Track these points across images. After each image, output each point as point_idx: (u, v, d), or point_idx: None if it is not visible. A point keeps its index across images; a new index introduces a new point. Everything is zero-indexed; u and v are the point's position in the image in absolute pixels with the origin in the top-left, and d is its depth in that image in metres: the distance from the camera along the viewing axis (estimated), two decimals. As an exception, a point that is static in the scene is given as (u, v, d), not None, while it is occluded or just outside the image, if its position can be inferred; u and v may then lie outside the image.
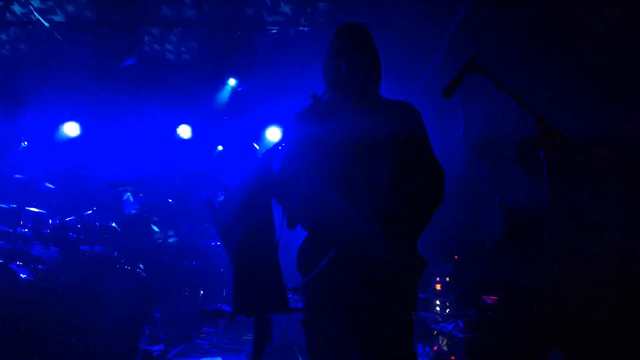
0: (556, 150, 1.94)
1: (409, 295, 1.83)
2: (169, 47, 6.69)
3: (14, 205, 4.95)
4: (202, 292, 5.70)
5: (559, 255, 1.85)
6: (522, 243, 3.90)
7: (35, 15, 5.80)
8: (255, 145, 7.42)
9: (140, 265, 4.96)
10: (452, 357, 3.77)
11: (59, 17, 5.97)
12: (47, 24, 5.95)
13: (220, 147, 7.81)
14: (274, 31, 6.21)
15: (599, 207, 3.40)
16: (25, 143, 5.96)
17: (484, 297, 3.84)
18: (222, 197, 1.89)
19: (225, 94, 7.31)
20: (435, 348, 4.19)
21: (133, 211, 5.64)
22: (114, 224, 5.19)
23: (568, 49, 3.94)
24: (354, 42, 2.06)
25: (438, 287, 4.62)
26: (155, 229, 5.62)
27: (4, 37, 6.46)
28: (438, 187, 1.93)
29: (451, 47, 5.48)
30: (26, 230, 4.90)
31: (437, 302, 4.59)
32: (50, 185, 5.36)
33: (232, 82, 7.14)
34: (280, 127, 7.45)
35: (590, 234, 3.40)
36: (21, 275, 4.24)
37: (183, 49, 6.71)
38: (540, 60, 4.25)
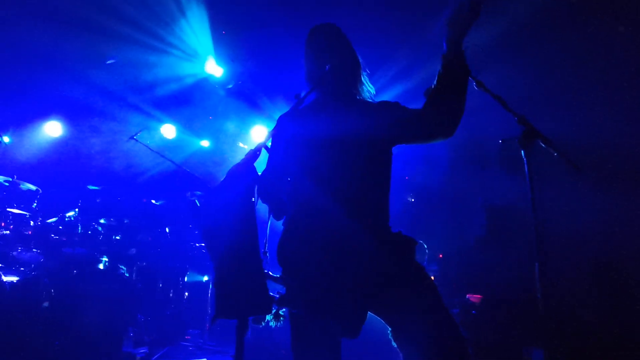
0: (537, 150, 1.97)
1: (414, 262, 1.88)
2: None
3: (-5, 207, 4.86)
4: (186, 293, 5.65)
5: (540, 254, 1.87)
6: (505, 242, 3.95)
7: None
8: (242, 144, 7.38)
9: (124, 266, 4.90)
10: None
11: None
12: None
13: (205, 144, 7.73)
14: None
15: (579, 206, 3.46)
16: (7, 139, 5.83)
17: (468, 295, 3.87)
18: (205, 198, 1.87)
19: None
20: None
21: (117, 212, 5.57)
22: (96, 226, 5.12)
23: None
24: (333, 42, 2.08)
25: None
26: None
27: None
28: None
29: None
30: (7, 232, 4.81)
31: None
32: (32, 187, 5.27)
33: (218, 73, 7.05)
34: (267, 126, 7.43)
35: (571, 232, 3.46)
36: (3, 277, 4.17)
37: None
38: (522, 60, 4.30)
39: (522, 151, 1.97)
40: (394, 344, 1.83)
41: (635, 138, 3.38)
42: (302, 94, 1.98)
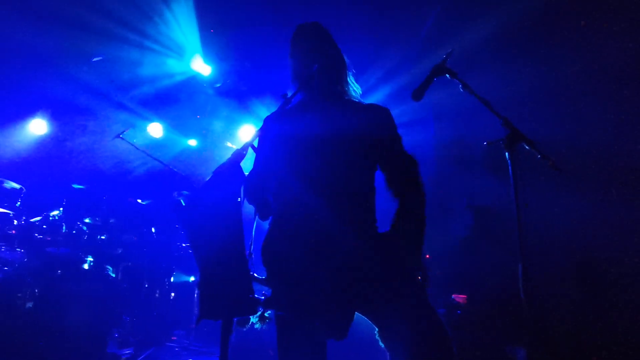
0: (521, 152, 2.00)
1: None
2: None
3: (-23, 206, 4.78)
4: (173, 294, 5.61)
5: (523, 255, 1.90)
6: (491, 242, 3.99)
7: None
8: (230, 144, 7.34)
9: (109, 266, 4.86)
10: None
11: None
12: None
13: (192, 143, 7.67)
14: None
15: (562, 207, 3.51)
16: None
17: (453, 295, 3.90)
18: (190, 198, 1.86)
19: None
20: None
21: (102, 211, 5.50)
22: (81, 225, 5.05)
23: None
24: (318, 42, 2.07)
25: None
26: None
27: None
28: (417, 182, 1.98)
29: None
30: (-9, 231, 4.73)
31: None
32: (16, 185, 5.19)
33: (206, 71, 6.99)
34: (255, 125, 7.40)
35: (554, 233, 3.51)
36: (-15, 277, 4.11)
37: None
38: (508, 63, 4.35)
39: (507, 153, 1.99)
40: (381, 344, 1.83)
41: (616, 140, 3.44)
42: (289, 94, 1.98)
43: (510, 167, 1.99)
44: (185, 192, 5.39)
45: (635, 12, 3.49)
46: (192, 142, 7.72)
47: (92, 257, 4.81)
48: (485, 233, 4.16)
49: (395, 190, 1.98)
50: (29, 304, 4.14)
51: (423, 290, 1.82)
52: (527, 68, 4.17)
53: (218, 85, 7.37)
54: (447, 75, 2.17)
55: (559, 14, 3.97)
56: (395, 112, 2.12)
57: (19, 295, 4.13)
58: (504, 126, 2.03)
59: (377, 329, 1.84)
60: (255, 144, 2.07)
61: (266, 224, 2.03)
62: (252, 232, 2.53)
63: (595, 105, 3.58)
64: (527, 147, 1.99)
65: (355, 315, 1.83)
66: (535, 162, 2.00)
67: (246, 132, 7.30)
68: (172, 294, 5.65)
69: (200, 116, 7.74)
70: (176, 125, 7.59)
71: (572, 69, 3.72)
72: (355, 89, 2.14)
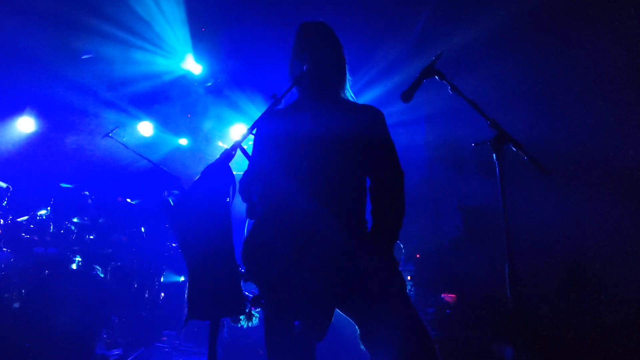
0: (509, 153, 2.01)
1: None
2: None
3: (-37, 205, 4.72)
4: (162, 294, 5.57)
5: (510, 254, 1.91)
6: (479, 242, 4.03)
7: None
8: (221, 143, 7.31)
9: (98, 267, 4.82)
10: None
11: None
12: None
13: (183, 142, 7.63)
14: None
15: (549, 208, 3.55)
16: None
17: (442, 295, 3.93)
18: (178, 197, 1.85)
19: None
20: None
21: (91, 211, 5.45)
22: (69, 225, 5.01)
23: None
24: (316, 41, 2.06)
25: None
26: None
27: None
28: (399, 188, 1.97)
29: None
30: (-24, 231, 4.67)
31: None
32: (3, 184, 5.13)
33: (197, 70, 6.96)
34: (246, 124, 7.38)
35: (540, 233, 3.55)
36: (-30, 278, 4.05)
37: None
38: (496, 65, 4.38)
39: (494, 154, 2.01)
40: (362, 346, 1.83)
41: (604, 141, 3.49)
42: (279, 94, 1.98)
43: (497, 168, 2.01)
44: (175, 192, 5.35)
45: (623, 17, 3.54)
46: (183, 141, 7.67)
47: (81, 257, 4.77)
48: (474, 233, 4.19)
49: (374, 197, 1.99)
50: (16, 305, 4.10)
51: (405, 292, 1.83)
52: (515, 70, 4.21)
53: (209, 84, 7.34)
54: (436, 77, 2.19)
55: (549, 16, 4.01)
56: (386, 112, 2.12)
57: (6, 295, 4.08)
58: (492, 128, 2.05)
59: (358, 331, 1.84)
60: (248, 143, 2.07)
61: None
62: (244, 230, 2.52)
63: (583, 107, 3.62)
64: (514, 149, 2.01)
65: (342, 317, 1.83)
66: (524, 164, 2.02)
67: (237, 131, 7.28)
68: (162, 294, 5.61)
69: (190, 115, 7.71)
70: (166, 124, 7.55)
71: (560, 72, 3.77)
72: (351, 94, 2.14)
